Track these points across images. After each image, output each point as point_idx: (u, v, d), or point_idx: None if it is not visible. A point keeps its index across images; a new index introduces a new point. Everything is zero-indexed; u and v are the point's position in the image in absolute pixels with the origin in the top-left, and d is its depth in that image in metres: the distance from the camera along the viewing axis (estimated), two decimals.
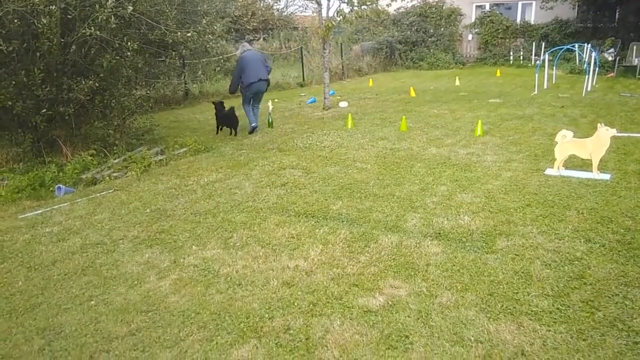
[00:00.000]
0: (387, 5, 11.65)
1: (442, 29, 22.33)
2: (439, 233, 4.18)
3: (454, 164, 6.21)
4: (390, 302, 3.16)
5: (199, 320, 3.09)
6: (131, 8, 6.24)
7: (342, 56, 19.52)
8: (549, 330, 2.80)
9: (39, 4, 5.93)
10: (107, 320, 3.15)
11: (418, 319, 2.98)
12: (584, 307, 3.01)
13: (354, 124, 9.12)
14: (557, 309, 3.00)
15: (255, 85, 8.54)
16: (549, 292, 3.19)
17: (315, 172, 6.19)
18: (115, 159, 7.05)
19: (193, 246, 4.20)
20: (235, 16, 21.44)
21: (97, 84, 6.70)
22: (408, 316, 3.01)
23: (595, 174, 5.40)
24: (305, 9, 29.00)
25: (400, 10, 23.06)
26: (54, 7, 6.03)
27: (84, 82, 6.53)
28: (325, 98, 11.43)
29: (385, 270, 3.60)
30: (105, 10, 6.11)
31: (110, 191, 5.89)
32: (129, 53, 6.66)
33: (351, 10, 10.67)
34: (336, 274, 3.58)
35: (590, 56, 13.91)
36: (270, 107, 9.62)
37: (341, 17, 10.62)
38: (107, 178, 6.43)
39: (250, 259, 3.89)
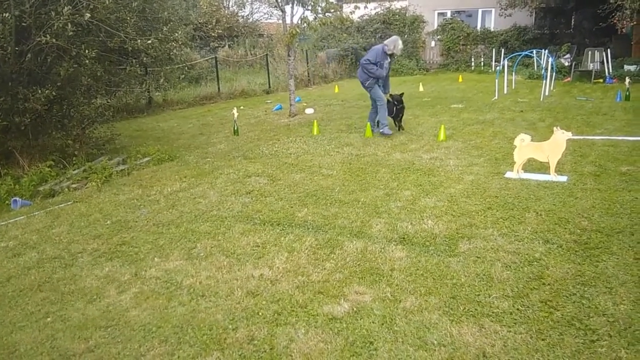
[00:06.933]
0: (351, 12, 11.77)
1: (406, 36, 22.62)
2: (403, 238, 4.22)
3: (417, 169, 6.29)
4: (355, 309, 3.17)
5: (160, 334, 3.02)
6: (89, 15, 6.09)
7: (307, 63, 19.57)
8: (510, 331, 2.85)
9: None
10: (64, 337, 3.04)
11: (382, 324, 2.99)
12: (542, 307, 3.08)
13: (319, 130, 9.14)
14: (517, 309, 3.06)
15: None
16: (509, 293, 3.26)
17: (281, 180, 6.17)
18: (74, 169, 6.85)
19: (155, 258, 4.11)
20: (199, 23, 21.24)
21: (54, 93, 6.50)
22: (373, 322, 3.01)
23: (553, 177, 5.55)
24: (270, 16, 29.04)
25: (364, 18, 23.26)
26: (7, 14, 5.86)
27: (40, 91, 6.33)
28: (291, 105, 11.43)
29: (351, 276, 3.60)
30: (62, 18, 5.95)
31: (69, 203, 5.72)
32: (87, 61, 6.50)
33: (315, 18, 10.73)
34: (301, 281, 3.57)
35: (547, 62, 14.35)
36: (236, 115, 9.55)
37: (305, 24, 10.66)
38: (66, 189, 6.24)
39: (214, 269, 3.83)
